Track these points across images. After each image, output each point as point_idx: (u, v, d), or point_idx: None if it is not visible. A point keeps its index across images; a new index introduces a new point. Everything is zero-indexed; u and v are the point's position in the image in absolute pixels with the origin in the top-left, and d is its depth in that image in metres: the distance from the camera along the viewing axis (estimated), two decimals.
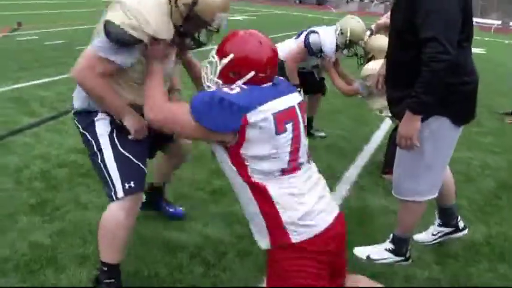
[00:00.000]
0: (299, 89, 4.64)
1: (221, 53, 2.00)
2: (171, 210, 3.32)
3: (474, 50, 2.80)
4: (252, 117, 1.85)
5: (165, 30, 2.28)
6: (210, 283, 2.70)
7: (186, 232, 3.18)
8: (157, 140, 2.69)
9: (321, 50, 4.53)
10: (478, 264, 3.09)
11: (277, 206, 1.93)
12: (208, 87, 2.04)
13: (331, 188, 3.99)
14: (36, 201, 3.43)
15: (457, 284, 2.90)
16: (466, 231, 3.16)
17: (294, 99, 2.05)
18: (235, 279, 2.75)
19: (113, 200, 2.40)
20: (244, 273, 2.80)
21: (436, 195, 2.81)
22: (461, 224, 3.16)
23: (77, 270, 2.71)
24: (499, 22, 28.53)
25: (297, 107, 2.03)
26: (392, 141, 4.28)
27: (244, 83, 1.96)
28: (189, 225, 3.26)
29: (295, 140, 1.97)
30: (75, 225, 3.15)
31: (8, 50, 9.14)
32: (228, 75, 1.98)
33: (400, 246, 2.91)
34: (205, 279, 2.72)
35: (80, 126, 2.53)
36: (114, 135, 2.45)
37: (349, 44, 4.57)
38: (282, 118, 1.92)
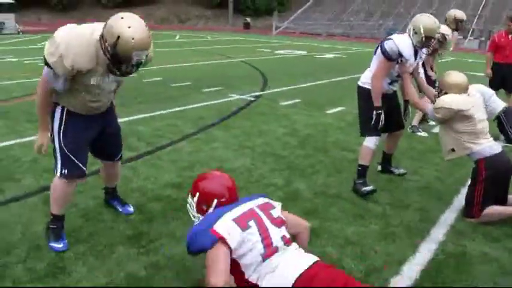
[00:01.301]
0: (380, 112, 4.52)
1: (192, 194, 2.74)
2: (120, 209, 3.95)
3: None
4: (218, 228, 2.45)
5: (86, 62, 2.92)
6: None
7: None
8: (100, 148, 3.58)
9: (400, 54, 4.44)
10: None
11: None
12: (194, 221, 2.75)
13: (427, 231, 3.82)
14: (133, 233, 3.57)
15: None
16: None
17: (254, 203, 2.67)
18: None
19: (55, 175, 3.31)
20: None
21: None
22: None
23: None
24: None
25: (255, 208, 2.62)
26: (469, 185, 4.20)
27: (213, 209, 2.64)
28: None
29: (262, 230, 2.53)
30: (169, 258, 3.23)
31: None
32: (201, 208, 2.69)
33: None
34: None
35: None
36: (62, 129, 3.24)
37: (425, 42, 4.45)
38: (242, 219, 2.52)
